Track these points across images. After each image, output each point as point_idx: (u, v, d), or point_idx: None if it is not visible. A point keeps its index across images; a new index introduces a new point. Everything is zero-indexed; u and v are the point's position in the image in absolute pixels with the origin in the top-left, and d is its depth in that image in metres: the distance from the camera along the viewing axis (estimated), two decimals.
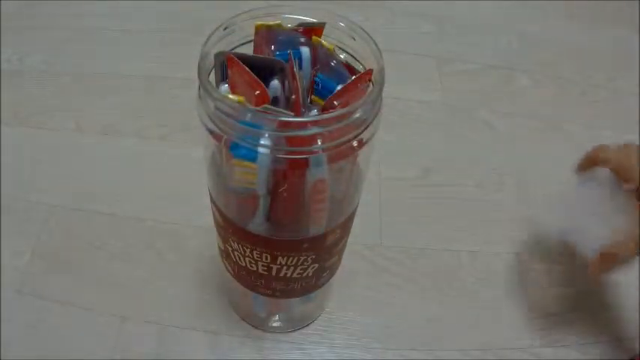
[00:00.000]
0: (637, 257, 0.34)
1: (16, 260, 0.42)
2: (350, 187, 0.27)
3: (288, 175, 0.23)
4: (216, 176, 0.27)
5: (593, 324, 0.42)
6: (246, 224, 0.27)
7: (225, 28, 0.24)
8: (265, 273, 0.30)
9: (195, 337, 0.39)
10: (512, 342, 0.40)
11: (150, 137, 0.50)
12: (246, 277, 0.32)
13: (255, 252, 0.28)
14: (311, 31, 0.25)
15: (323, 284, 0.34)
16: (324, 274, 0.32)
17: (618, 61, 0.62)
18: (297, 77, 0.23)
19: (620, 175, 0.36)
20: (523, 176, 0.51)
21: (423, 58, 0.60)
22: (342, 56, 0.26)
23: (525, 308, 0.42)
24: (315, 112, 0.25)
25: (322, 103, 0.25)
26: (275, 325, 0.40)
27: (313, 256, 0.29)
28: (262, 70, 0.24)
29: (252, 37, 0.25)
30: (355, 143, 0.23)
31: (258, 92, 0.23)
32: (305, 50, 0.25)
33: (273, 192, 0.24)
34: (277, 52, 0.25)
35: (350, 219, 0.30)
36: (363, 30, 0.25)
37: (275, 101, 0.24)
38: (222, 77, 0.24)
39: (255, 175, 0.23)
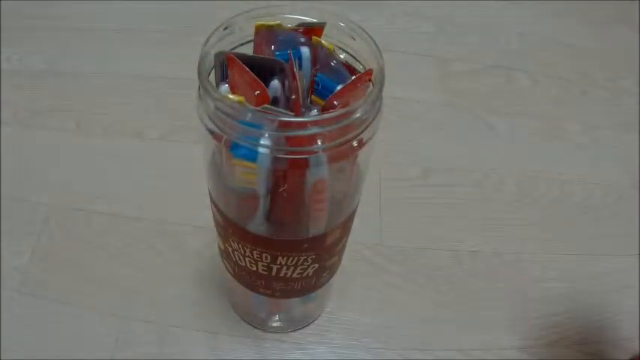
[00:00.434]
0: None
1: (16, 260, 0.42)
2: (350, 187, 0.27)
3: (288, 175, 0.23)
4: (216, 176, 0.27)
5: (593, 324, 0.42)
6: (246, 224, 0.27)
7: (225, 28, 0.24)
8: (265, 273, 0.30)
9: (195, 337, 0.39)
10: (512, 342, 0.40)
11: (150, 137, 0.51)
12: (246, 277, 0.32)
13: (255, 252, 0.28)
14: (311, 31, 0.25)
15: (323, 284, 0.34)
16: (324, 274, 0.32)
17: (618, 61, 0.62)
18: (297, 77, 0.23)
19: None
20: (523, 176, 0.51)
21: (423, 58, 0.60)
22: (342, 56, 0.26)
23: (525, 308, 0.42)
24: (315, 112, 0.25)
25: (322, 103, 0.25)
26: (275, 325, 0.40)
27: (313, 256, 0.29)
28: (262, 70, 0.23)
29: (252, 37, 0.25)
30: (355, 143, 0.23)
31: (258, 92, 0.23)
32: (305, 50, 0.25)
33: (273, 192, 0.24)
34: (277, 52, 0.25)
35: (350, 219, 0.30)
36: (363, 30, 0.25)
37: (275, 101, 0.24)
38: (222, 77, 0.24)
39: (255, 175, 0.23)
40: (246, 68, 0.23)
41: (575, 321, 0.42)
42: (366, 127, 0.23)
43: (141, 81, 0.55)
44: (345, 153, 0.23)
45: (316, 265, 0.30)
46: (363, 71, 0.25)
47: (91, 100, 0.53)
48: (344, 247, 0.33)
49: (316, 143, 0.21)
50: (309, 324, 0.40)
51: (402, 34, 0.63)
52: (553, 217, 0.48)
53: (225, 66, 0.24)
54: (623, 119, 0.57)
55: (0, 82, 0.54)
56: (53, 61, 0.57)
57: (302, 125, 0.21)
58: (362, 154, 0.24)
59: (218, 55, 0.24)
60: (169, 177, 0.48)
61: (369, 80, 0.24)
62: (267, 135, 0.21)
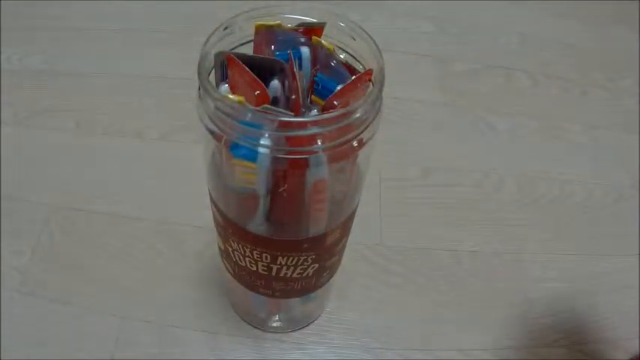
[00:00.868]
0: None
1: (16, 260, 0.42)
2: (350, 187, 0.27)
3: (288, 175, 0.23)
4: (216, 176, 0.27)
5: (593, 324, 0.42)
6: (246, 224, 0.27)
7: (225, 28, 0.24)
8: (265, 273, 0.30)
9: (195, 337, 0.39)
10: (512, 342, 0.40)
11: (150, 137, 0.51)
12: (246, 277, 0.32)
13: (255, 252, 0.28)
14: (311, 31, 0.25)
15: (323, 284, 0.34)
16: (324, 274, 0.32)
17: (618, 61, 0.62)
18: (297, 77, 0.23)
19: None
20: (523, 176, 0.51)
21: (423, 58, 0.60)
22: (342, 56, 0.26)
23: (525, 308, 0.42)
24: (315, 112, 0.25)
25: (322, 103, 0.25)
26: (275, 325, 0.40)
27: (313, 256, 0.29)
28: (262, 70, 0.23)
29: (252, 37, 0.25)
30: (355, 143, 0.23)
31: (258, 92, 0.23)
32: (305, 50, 0.25)
33: (273, 192, 0.24)
34: (277, 52, 0.25)
35: (350, 219, 0.30)
36: (363, 30, 0.25)
37: (275, 101, 0.24)
38: (222, 77, 0.24)
39: (255, 175, 0.23)
40: (246, 68, 0.23)
41: (575, 321, 0.42)
42: (366, 127, 0.23)
43: (141, 81, 0.55)
44: (345, 153, 0.23)
45: (316, 265, 0.30)
46: (363, 71, 0.25)
47: (91, 100, 0.53)
48: (344, 247, 0.33)
49: (316, 143, 0.21)
50: (309, 324, 0.40)
51: (402, 34, 0.63)
52: (553, 217, 0.48)
53: (225, 66, 0.24)
54: (623, 119, 0.57)
55: (0, 82, 0.54)
56: (53, 61, 0.57)
57: (302, 125, 0.21)
58: (362, 154, 0.24)
59: (218, 55, 0.24)
60: (169, 177, 0.48)
61: (369, 80, 0.24)
62: (267, 135, 0.21)
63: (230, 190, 0.26)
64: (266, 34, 0.25)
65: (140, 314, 0.40)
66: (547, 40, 0.64)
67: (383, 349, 0.40)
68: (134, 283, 0.41)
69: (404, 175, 0.50)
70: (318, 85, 0.25)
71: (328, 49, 0.25)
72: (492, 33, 0.64)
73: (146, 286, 0.41)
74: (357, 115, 0.21)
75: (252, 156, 0.22)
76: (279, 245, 0.27)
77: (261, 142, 0.21)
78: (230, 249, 0.30)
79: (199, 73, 0.22)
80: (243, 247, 0.28)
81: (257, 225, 0.27)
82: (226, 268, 0.34)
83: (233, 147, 0.22)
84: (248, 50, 0.25)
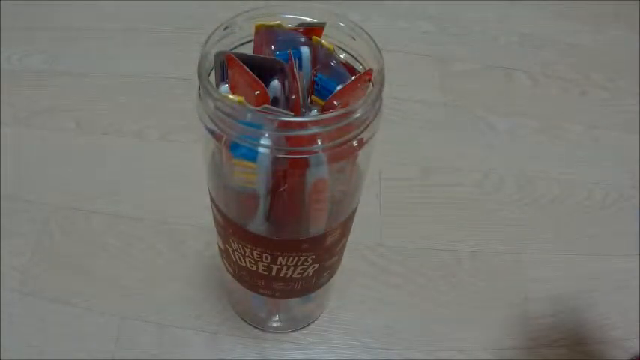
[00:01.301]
0: None
1: (16, 260, 0.42)
2: (350, 187, 0.27)
3: (288, 175, 0.23)
4: (216, 176, 0.27)
5: (593, 323, 0.42)
6: (246, 224, 0.27)
7: (225, 28, 0.24)
8: (265, 273, 0.30)
9: (195, 337, 0.39)
10: (512, 342, 0.40)
11: (150, 137, 0.51)
12: (246, 277, 0.32)
13: (255, 252, 0.28)
14: (311, 31, 0.25)
15: (323, 284, 0.34)
16: (324, 274, 0.32)
17: (618, 61, 0.62)
18: (297, 77, 0.23)
19: None
20: (523, 176, 0.51)
21: (423, 58, 0.60)
22: (342, 56, 0.26)
23: (525, 308, 0.42)
24: (315, 112, 0.25)
25: (322, 103, 0.25)
26: (275, 325, 0.40)
27: (313, 256, 0.29)
28: (262, 70, 0.23)
29: (252, 37, 0.25)
30: (355, 143, 0.23)
31: (258, 92, 0.23)
32: (305, 50, 0.25)
33: (273, 192, 0.24)
34: (277, 52, 0.25)
35: (350, 219, 0.30)
36: (363, 30, 0.25)
37: (275, 101, 0.24)
38: (222, 77, 0.24)
39: (255, 175, 0.23)
40: (246, 68, 0.23)
41: (576, 321, 0.42)
42: (366, 127, 0.23)
43: (141, 81, 0.55)
44: (345, 153, 0.23)
45: (316, 265, 0.30)
46: (363, 71, 0.25)
47: (91, 100, 0.53)
48: (344, 247, 0.33)
49: (316, 143, 0.21)
50: (308, 324, 0.40)
51: (402, 34, 0.63)
52: (553, 217, 0.48)
53: (225, 66, 0.24)
54: (623, 119, 0.57)
55: (0, 82, 0.54)
56: (53, 61, 0.57)
57: (302, 125, 0.21)
58: (362, 154, 0.24)
59: (218, 55, 0.24)
60: (169, 177, 0.48)
61: (369, 80, 0.24)
62: (267, 135, 0.21)
63: (230, 190, 0.26)
64: (266, 34, 0.25)
65: (140, 314, 0.40)
66: (547, 40, 0.64)
67: (383, 349, 0.40)
68: (134, 283, 0.41)
69: (404, 175, 0.50)
70: (318, 85, 0.25)
71: (328, 49, 0.25)
72: (492, 33, 0.64)
73: (146, 286, 0.41)
74: (357, 115, 0.21)
75: (252, 156, 0.22)
76: (279, 245, 0.27)
77: (261, 142, 0.21)
78: (230, 249, 0.30)
79: (199, 73, 0.22)
80: (243, 247, 0.28)
81: (257, 225, 0.27)
82: (226, 268, 0.34)
83: (233, 147, 0.22)
84: (248, 50, 0.25)
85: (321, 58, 0.25)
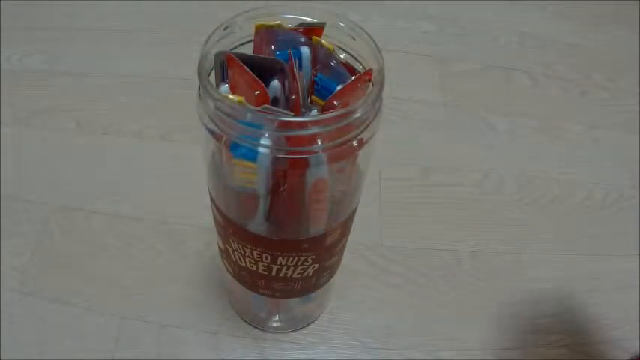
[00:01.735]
0: None
1: (16, 260, 0.42)
2: (350, 187, 0.27)
3: (288, 175, 0.23)
4: (216, 176, 0.27)
5: (593, 323, 0.42)
6: (246, 224, 0.27)
7: (225, 28, 0.24)
8: (265, 273, 0.30)
9: (195, 337, 0.39)
10: (512, 342, 0.40)
11: (150, 137, 0.51)
12: (246, 277, 0.32)
13: (255, 252, 0.28)
14: (311, 31, 0.25)
15: (323, 284, 0.34)
16: (324, 274, 0.32)
17: (618, 61, 0.62)
18: (297, 77, 0.23)
19: None
20: (523, 176, 0.51)
21: (423, 58, 0.60)
22: (342, 56, 0.26)
23: (525, 308, 0.42)
24: (315, 112, 0.25)
25: (322, 103, 0.25)
26: (275, 325, 0.40)
27: (313, 256, 0.29)
28: (262, 70, 0.23)
29: (252, 37, 0.25)
30: (355, 143, 0.23)
31: (258, 92, 0.23)
32: (305, 50, 0.25)
33: (273, 192, 0.24)
34: (277, 52, 0.25)
35: (350, 219, 0.30)
36: (363, 30, 0.25)
37: (275, 101, 0.24)
38: (222, 77, 0.24)
39: (255, 175, 0.23)
40: (246, 68, 0.23)
41: (575, 321, 0.42)
42: (366, 127, 0.23)
43: (141, 81, 0.55)
44: (345, 153, 0.23)
45: (316, 265, 0.30)
46: (363, 71, 0.25)
47: (91, 100, 0.53)
48: (344, 247, 0.33)
49: (316, 143, 0.21)
50: (308, 324, 0.40)
51: (402, 34, 0.63)
52: (553, 217, 0.48)
53: (225, 66, 0.24)
54: (623, 119, 0.57)
55: (0, 82, 0.54)
56: (53, 61, 0.57)
57: (302, 125, 0.21)
58: (362, 154, 0.24)
59: (218, 55, 0.24)
60: (169, 177, 0.48)
61: (369, 80, 0.24)
62: (267, 135, 0.21)
63: (230, 190, 0.26)
64: (266, 34, 0.25)
65: (140, 314, 0.40)
66: (547, 40, 0.64)
67: (383, 349, 0.40)
68: (134, 283, 0.41)
69: (404, 175, 0.50)
70: (318, 85, 0.25)
71: (328, 49, 0.25)
72: (492, 33, 0.64)
73: (146, 286, 0.41)
74: (357, 115, 0.21)
75: (252, 156, 0.22)
76: (279, 245, 0.27)
77: (261, 142, 0.21)
78: (230, 249, 0.30)
79: (199, 73, 0.22)
80: (243, 247, 0.28)
81: (257, 225, 0.27)
82: (226, 268, 0.34)
83: (233, 147, 0.22)
84: (248, 50, 0.25)
85: (321, 58, 0.25)
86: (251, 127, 0.21)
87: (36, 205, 0.45)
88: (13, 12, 0.61)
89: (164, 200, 0.46)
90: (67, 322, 0.39)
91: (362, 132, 0.22)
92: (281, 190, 0.24)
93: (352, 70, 0.26)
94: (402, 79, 0.56)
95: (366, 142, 0.23)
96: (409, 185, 0.49)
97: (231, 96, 0.21)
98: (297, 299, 0.35)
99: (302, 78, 0.24)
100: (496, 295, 0.43)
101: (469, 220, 0.47)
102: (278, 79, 0.24)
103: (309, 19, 0.25)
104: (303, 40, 0.25)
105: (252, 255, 0.28)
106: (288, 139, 0.21)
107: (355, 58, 0.26)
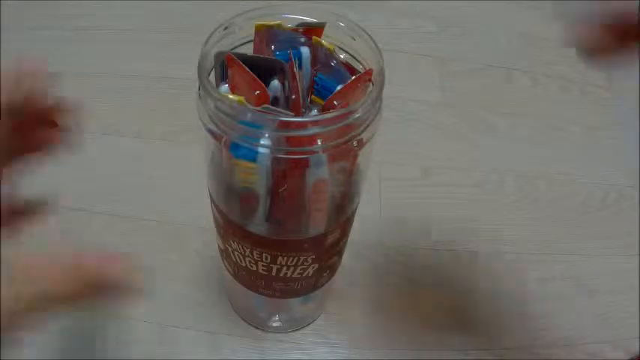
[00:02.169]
0: None
1: None
2: (350, 187, 0.27)
3: (288, 175, 0.23)
4: (217, 176, 0.27)
5: (593, 323, 0.42)
6: (246, 224, 0.27)
7: (225, 28, 0.24)
8: (265, 273, 0.30)
9: (195, 337, 0.39)
10: (513, 342, 0.40)
11: (150, 137, 0.50)
12: (246, 277, 0.32)
13: (255, 252, 0.28)
14: (311, 31, 0.25)
15: (323, 284, 0.34)
16: (324, 274, 0.32)
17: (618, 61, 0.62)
18: (297, 77, 0.23)
19: None
20: (523, 176, 0.51)
21: (423, 58, 0.60)
22: (342, 56, 0.26)
23: (525, 308, 0.42)
24: (315, 112, 0.25)
25: (322, 103, 0.25)
26: (275, 325, 0.40)
27: (313, 256, 0.29)
28: (262, 70, 0.24)
29: (252, 37, 0.25)
30: (355, 143, 0.23)
31: (258, 92, 0.23)
32: (305, 50, 0.25)
33: (273, 192, 0.24)
34: (277, 52, 0.25)
35: (350, 219, 0.30)
36: (363, 30, 0.25)
37: (275, 101, 0.24)
38: (222, 77, 0.24)
39: (255, 175, 0.23)
40: (246, 68, 0.23)
41: (576, 321, 0.42)
42: (366, 127, 0.23)
43: (141, 81, 0.55)
44: (345, 153, 0.23)
45: (316, 265, 0.30)
46: (363, 71, 0.25)
47: (91, 100, 0.53)
48: (344, 247, 0.33)
49: (316, 143, 0.21)
50: (308, 324, 0.40)
51: (402, 34, 0.63)
52: (553, 217, 0.48)
53: (225, 66, 0.24)
54: (623, 119, 0.56)
55: (0, 82, 0.54)
56: (53, 61, 0.57)
57: (302, 125, 0.21)
58: (362, 154, 0.24)
59: (218, 55, 0.24)
60: (170, 177, 0.47)
61: (369, 80, 0.24)
62: (267, 135, 0.21)
63: (230, 190, 0.26)
64: (266, 34, 0.25)
65: (140, 314, 0.40)
66: (547, 40, 0.64)
67: (383, 349, 0.40)
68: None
69: (404, 175, 0.50)
70: (318, 85, 0.25)
71: (328, 49, 0.25)
72: (492, 33, 0.64)
73: (146, 286, 0.41)
74: (357, 115, 0.22)
75: (252, 156, 0.22)
76: (279, 245, 0.27)
77: (261, 142, 0.21)
78: (230, 249, 0.30)
79: (199, 73, 0.22)
80: (243, 247, 0.28)
81: (257, 225, 0.27)
82: (226, 268, 0.34)
83: (233, 147, 0.22)
84: (248, 50, 0.25)
85: (321, 58, 0.25)
86: (251, 127, 0.21)
87: (35, 205, 0.45)
88: (13, 12, 0.61)
89: (164, 200, 0.46)
90: (67, 322, 0.39)
91: (362, 132, 0.22)
92: (281, 190, 0.24)
93: (352, 70, 0.26)
94: (402, 79, 0.56)
95: (366, 143, 0.23)
96: (409, 185, 0.49)
97: (231, 96, 0.21)
98: (297, 299, 0.35)
99: (302, 78, 0.24)
100: (496, 295, 0.43)
101: (470, 220, 0.47)
102: (278, 79, 0.24)
103: (309, 19, 0.25)
104: (303, 40, 0.25)
105: (252, 255, 0.28)
106: (288, 139, 0.21)
107: (355, 58, 0.26)
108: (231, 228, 0.28)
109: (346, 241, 0.32)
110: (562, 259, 0.45)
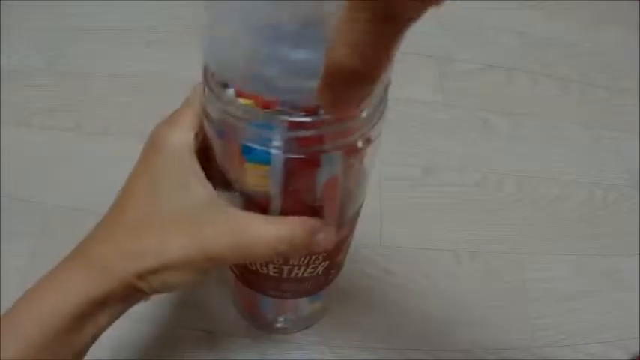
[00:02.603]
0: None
1: (16, 261, 0.42)
2: (357, 184, 0.27)
3: (299, 175, 0.23)
4: (222, 184, 0.26)
5: (593, 324, 0.42)
6: None
7: None
8: (276, 275, 0.30)
9: (195, 337, 0.39)
10: (513, 342, 0.41)
11: None
12: (255, 281, 0.31)
13: None
14: None
15: (331, 282, 0.34)
16: (332, 270, 0.32)
17: (618, 61, 0.62)
18: None
19: None
20: (523, 176, 0.51)
21: (423, 58, 0.60)
22: None
23: (525, 308, 0.42)
24: (322, 111, 0.25)
25: None
26: (279, 326, 0.40)
27: (324, 254, 0.29)
28: None
29: None
30: (361, 143, 0.23)
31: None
32: None
33: (284, 192, 0.24)
34: None
35: (356, 216, 0.30)
36: None
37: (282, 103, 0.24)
38: None
39: (266, 178, 0.23)
40: None
41: (576, 321, 0.42)
42: (373, 126, 0.23)
43: (141, 81, 0.55)
44: (354, 151, 0.23)
45: (326, 263, 0.30)
46: None
47: (91, 100, 0.53)
48: (350, 244, 0.33)
49: (327, 143, 0.21)
50: (310, 325, 0.40)
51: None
52: (553, 217, 0.48)
53: None
54: (623, 119, 0.57)
55: (0, 82, 0.54)
56: (53, 61, 0.57)
57: (313, 125, 0.21)
58: (368, 152, 0.24)
59: None
60: None
61: None
62: (278, 136, 0.21)
63: (240, 194, 0.26)
64: None
65: (140, 314, 0.40)
66: (547, 40, 0.64)
67: (383, 349, 0.40)
68: None
69: (404, 175, 0.50)
70: None
71: None
72: (492, 33, 0.64)
73: None
74: (365, 114, 0.22)
75: (263, 158, 0.21)
76: None
77: (273, 143, 0.21)
78: None
79: (205, 78, 0.22)
80: None
81: None
82: (231, 269, 0.33)
83: (245, 150, 0.22)
84: None
85: None
86: (262, 130, 0.21)
87: (36, 205, 0.45)
88: (13, 12, 0.61)
89: None
90: None
91: (370, 130, 0.23)
92: (292, 190, 0.24)
93: None
94: (402, 79, 0.56)
95: (373, 141, 0.23)
96: (409, 185, 0.49)
97: (240, 100, 0.21)
98: (304, 299, 0.35)
99: None
100: (496, 295, 0.43)
101: (469, 220, 0.47)
102: None
103: None
104: None
105: None
106: (299, 139, 0.21)
107: None
108: None
109: (352, 238, 0.32)
110: (562, 259, 0.45)
